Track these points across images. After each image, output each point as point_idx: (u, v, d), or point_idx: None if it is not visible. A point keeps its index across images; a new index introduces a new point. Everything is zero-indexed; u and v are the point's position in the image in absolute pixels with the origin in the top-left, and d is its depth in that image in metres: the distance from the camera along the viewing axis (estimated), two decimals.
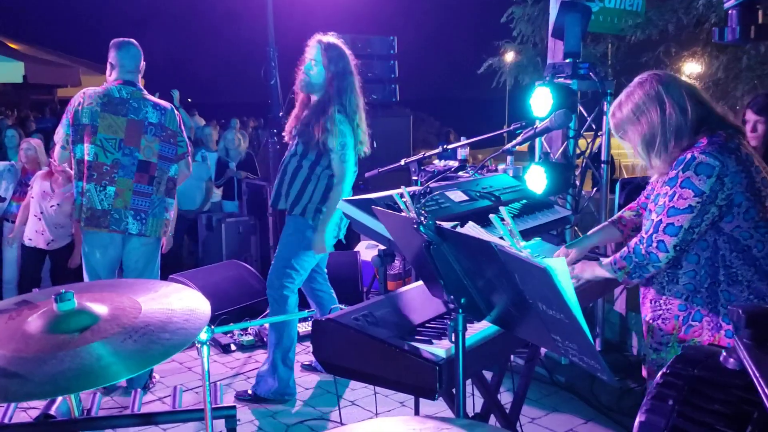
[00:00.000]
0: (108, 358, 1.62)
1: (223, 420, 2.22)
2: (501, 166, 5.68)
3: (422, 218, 1.87)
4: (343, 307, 2.49)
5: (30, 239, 5.56)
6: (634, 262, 2.34)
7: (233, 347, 5.21)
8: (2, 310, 1.85)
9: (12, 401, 2.03)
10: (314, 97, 4.13)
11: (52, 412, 2.20)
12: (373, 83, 7.55)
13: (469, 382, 3.06)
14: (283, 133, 4.31)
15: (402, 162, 3.35)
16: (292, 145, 4.20)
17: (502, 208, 1.71)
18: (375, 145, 4.57)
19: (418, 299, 2.50)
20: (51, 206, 5.42)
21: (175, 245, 6.51)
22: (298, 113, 4.18)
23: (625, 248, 2.39)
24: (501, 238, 1.78)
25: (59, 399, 2.31)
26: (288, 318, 4.15)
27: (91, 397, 2.31)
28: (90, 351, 1.64)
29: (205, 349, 1.96)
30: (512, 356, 4.17)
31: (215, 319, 5.35)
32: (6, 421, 2.29)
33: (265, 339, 5.28)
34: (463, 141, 3.56)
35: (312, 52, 4.10)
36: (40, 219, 5.49)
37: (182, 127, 4.38)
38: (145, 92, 4.29)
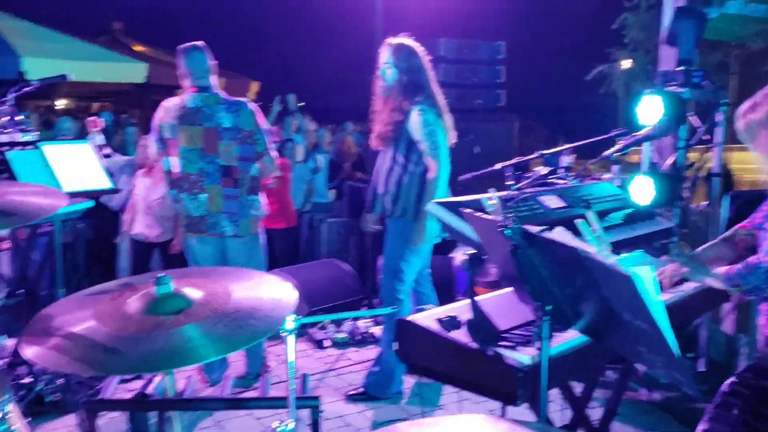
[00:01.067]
0: (198, 340, 1.70)
1: (308, 411, 2.28)
2: (606, 176, 5.51)
3: (509, 221, 1.86)
4: (430, 308, 2.50)
5: (140, 233, 5.79)
6: (753, 284, 2.23)
7: (327, 344, 5.32)
8: (106, 291, 1.97)
9: (109, 374, 2.18)
10: (394, 99, 4.11)
11: (149, 391, 2.33)
12: (477, 88, 7.53)
13: (561, 393, 3.00)
14: (371, 143, 4.31)
15: (498, 166, 3.33)
16: (382, 149, 4.23)
17: (589, 213, 1.67)
18: (477, 151, 4.55)
19: (506, 305, 2.47)
20: (155, 200, 5.64)
21: (280, 243, 6.71)
22: (383, 118, 4.17)
23: (743, 266, 2.27)
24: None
25: (156, 380, 2.44)
26: (366, 314, 4.14)
27: (186, 380, 2.43)
28: (182, 332, 1.72)
29: (290, 338, 2.01)
30: (609, 371, 4.05)
31: (311, 315, 5.47)
32: (108, 396, 2.45)
33: (357, 338, 5.36)
34: (564, 146, 3.50)
35: (384, 56, 4.12)
36: (148, 214, 5.72)
37: (260, 125, 4.33)
38: (221, 93, 4.28)
